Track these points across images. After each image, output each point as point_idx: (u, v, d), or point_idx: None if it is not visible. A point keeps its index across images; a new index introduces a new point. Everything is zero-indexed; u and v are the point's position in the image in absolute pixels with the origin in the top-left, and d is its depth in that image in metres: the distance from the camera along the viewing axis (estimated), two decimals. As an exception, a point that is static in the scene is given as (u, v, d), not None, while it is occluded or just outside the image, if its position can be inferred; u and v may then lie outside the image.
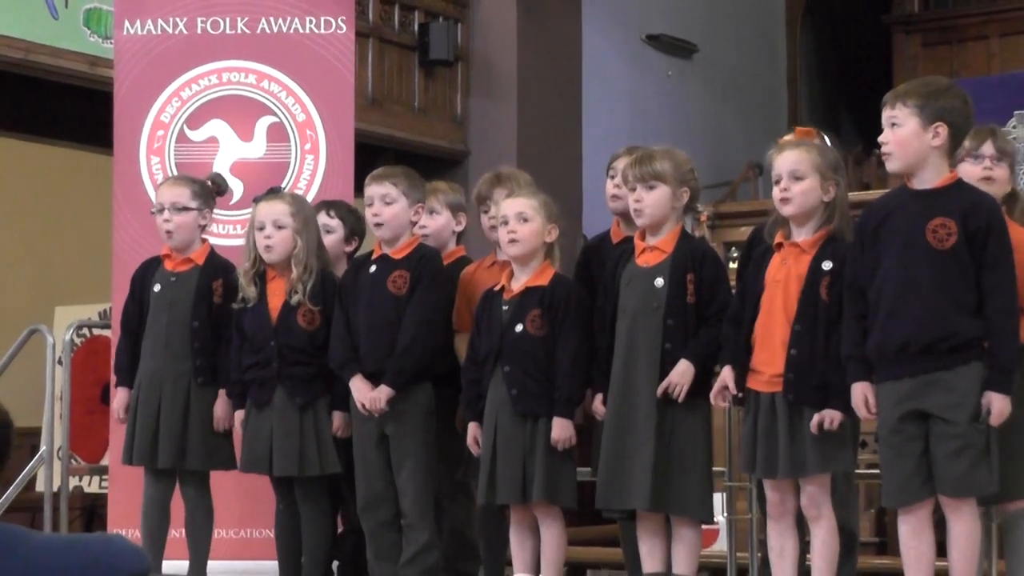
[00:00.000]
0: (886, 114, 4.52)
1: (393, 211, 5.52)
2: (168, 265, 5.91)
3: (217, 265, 5.92)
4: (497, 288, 5.29)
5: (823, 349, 4.66)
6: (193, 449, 5.76)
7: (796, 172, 4.75)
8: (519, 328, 5.17)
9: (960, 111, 4.52)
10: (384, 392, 5.37)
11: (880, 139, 4.55)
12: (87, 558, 3.45)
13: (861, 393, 4.52)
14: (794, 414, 4.68)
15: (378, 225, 5.55)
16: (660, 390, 4.91)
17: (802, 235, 4.78)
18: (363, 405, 5.41)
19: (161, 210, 5.88)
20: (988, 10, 13.65)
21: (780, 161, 4.79)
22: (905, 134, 4.49)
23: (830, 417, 4.61)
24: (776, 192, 4.80)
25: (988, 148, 5.08)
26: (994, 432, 4.39)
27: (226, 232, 6.67)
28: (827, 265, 4.70)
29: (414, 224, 5.60)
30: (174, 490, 5.84)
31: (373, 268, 5.55)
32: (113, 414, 5.99)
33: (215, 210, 6.21)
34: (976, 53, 13.67)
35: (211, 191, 6.05)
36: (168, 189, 5.97)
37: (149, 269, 5.98)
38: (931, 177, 4.50)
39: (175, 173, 6.47)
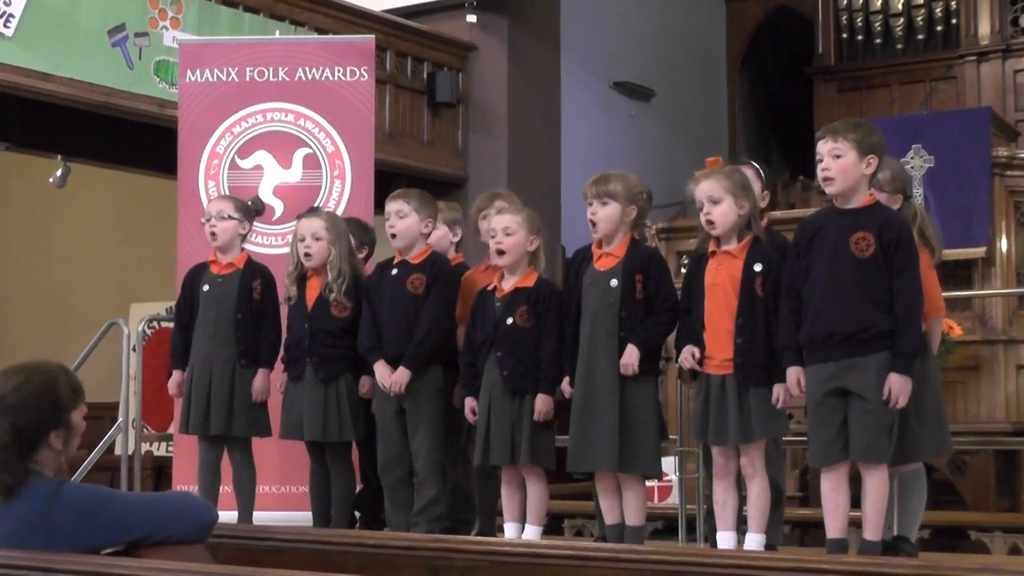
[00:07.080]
0: (828, 146, 4.44)
1: (405, 224, 5.45)
2: (214, 269, 5.84)
3: (255, 268, 5.85)
4: (490, 287, 5.20)
5: (764, 336, 4.60)
6: (238, 419, 5.69)
7: (713, 197, 4.69)
8: (510, 321, 5.08)
9: (883, 146, 4.48)
10: (403, 375, 5.29)
11: (823, 166, 4.45)
12: (164, 511, 3.40)
13: (794, 375, 4.46)
14: (742, 392, 4.61)
15: (393, 235, 5.47)
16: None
17: (730, 244, 4.72)
18: (384, 385, 5.34)
19: (209, 219, 5.85)
20: (889, 63, 13.69)
21: (698, 191, 4.74)
22: (846, 163, 4.41)
23: (784, 391, 4.54)
24: (702, 216, 4.74)
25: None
26: (898, 413, 4.32)
27: (269, 243, 6.68)
28: (758, 267, 4.64)
29: (426, 236, 5.51)
30: (223, 454, 5.76)
31: (395, 271, 5.46)
32: (170, 390, 5.90)
33: (259, 224, 6.22)
34: (880, 98, 13.68)
35: (251, 209, 6.00)
36: (215, 202, 5.97)
37: (198, 273, 5.90)
38: (857, 199, 4.44)
39: (227, 194, 6.43)
